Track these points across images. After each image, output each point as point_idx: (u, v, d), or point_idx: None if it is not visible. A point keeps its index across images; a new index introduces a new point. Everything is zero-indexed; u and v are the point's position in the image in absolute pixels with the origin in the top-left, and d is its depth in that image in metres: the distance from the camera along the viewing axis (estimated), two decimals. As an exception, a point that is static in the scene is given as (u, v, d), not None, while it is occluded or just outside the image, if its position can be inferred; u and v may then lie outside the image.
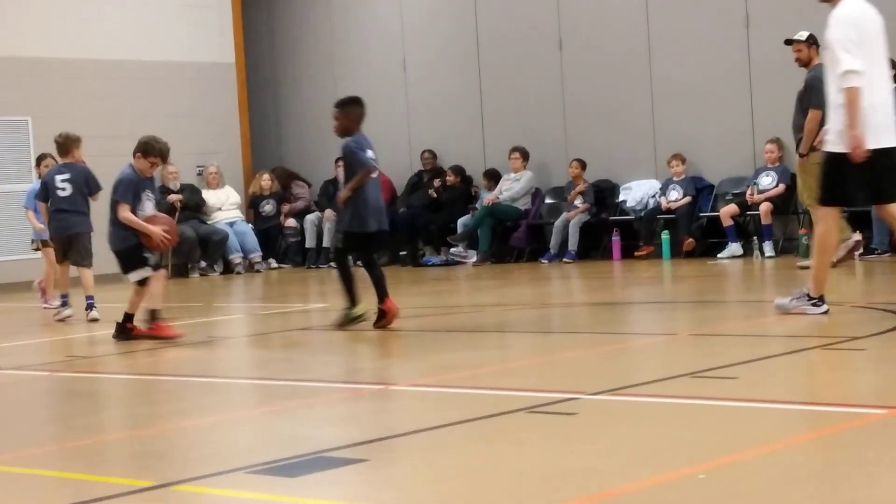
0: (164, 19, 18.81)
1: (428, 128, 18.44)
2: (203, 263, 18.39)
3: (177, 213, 18.06)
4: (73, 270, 12.25)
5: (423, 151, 18.35)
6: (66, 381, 8.50)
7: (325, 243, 18.52)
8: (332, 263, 10.37)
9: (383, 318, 9.82)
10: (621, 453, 5.05)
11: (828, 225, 8.61)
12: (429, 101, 18.44)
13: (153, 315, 10.02)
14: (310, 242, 18.75)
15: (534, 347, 8.94)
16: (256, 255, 18.60)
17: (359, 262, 10.29)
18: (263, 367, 8.66)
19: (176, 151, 18.44)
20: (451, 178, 17.88)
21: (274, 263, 18.84)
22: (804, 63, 12.44)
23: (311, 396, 6.99)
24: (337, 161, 18.85)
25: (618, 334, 9.19)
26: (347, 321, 9.93)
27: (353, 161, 9.97)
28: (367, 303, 10.00)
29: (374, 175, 10.08)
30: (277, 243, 19.09)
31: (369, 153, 10.07)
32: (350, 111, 10.16)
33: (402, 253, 17.93)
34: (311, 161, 19.63)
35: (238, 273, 18.27)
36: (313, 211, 18.99)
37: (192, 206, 18.49)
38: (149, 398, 7.51)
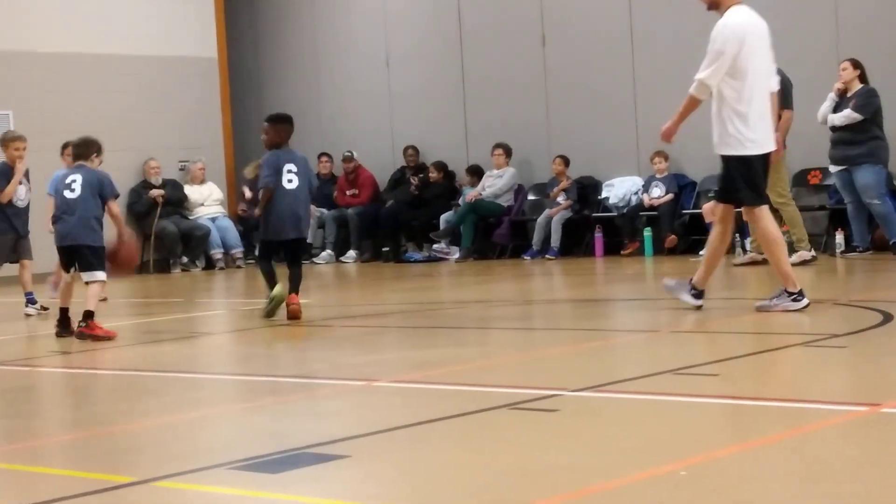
0: (145, 13, 18.75)
1: (411, 123, 18.44)
2: (185, 259, 18.36)
3: (158, 209, 18.04)
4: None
5: (406, 147, 18.35)
6: (47, 376, 8.47)
7: (308, 238, 18.46)
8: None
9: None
10: (603, 450, 5.06)
11: (762, 222, 8.88)
12: (412, 96, 18.44)
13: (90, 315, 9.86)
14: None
15: (516, 344, 8.94)
16: (238, 251, 18.57)
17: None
18: (245, 363, 8.65)
19: (158, 146, 18.59)
20: (433, 175, 17.88)
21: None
22: None
23: (292, 392, 6.98)
24: (319, 157, 18.85)
25: (600, 331, 9.20)
26: (269, 307, 10.51)
27: (261, 175, 10.61)
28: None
29: (291, 186, 10.52)
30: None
31: (288, 167, 10.52)
32: (280, 127, 10.76)
33: (384, 249, 17.92)
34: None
35: (220, 268, 18.24)
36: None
37: (174, 202, 18.45)
38: (130, 394, 7.49)
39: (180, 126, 19.05)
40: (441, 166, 17.93)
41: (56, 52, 17.83)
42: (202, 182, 18.93)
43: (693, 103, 8.83)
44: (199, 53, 19.34)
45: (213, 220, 18.62)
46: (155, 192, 18.13)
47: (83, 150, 10.59)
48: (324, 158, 18.94)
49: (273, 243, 10.77)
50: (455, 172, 17.98)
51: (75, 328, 9.95)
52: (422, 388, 6.83)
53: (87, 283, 9.92)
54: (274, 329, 10.40)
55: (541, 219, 16.59)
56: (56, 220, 10.22)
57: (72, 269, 10.11)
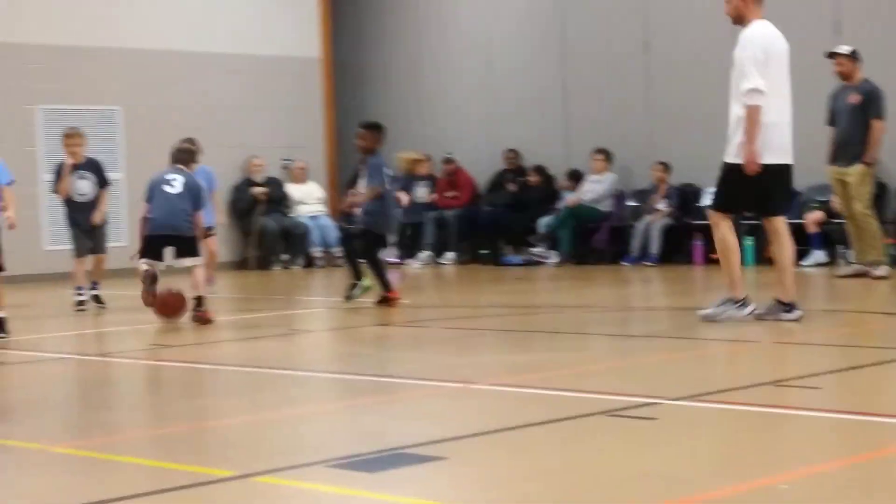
0: (252, 13, 18.96)
1: (512, 127, 18.42)
2: (285, 256, 18.53)
3: (260, 206, 18.23)
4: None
5: (507, 150, 18.33)
6: (152, 369, 8.60)
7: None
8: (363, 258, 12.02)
9: (387, 302, 11.62)
10: (701, 460, 5.02)
11: (722, 229, 9.23)
12: (513, 100, 18.42)
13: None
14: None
15: (613, 350, 8.90)
16: (338, 249, 18.67)
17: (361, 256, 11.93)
18: (344, 362, 8.71)
19: (261, 144, 18.78)
20: (532, 178, 17.84)
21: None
22: (846, 76, 13.11)
23: (391, 392, 7.02)
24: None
25: (698, 340, 9.11)
26: (353, 290, 11.86)
27: (372, 176, 11.66)
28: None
29: (390, 188, 11.89)
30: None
31: (386, 170, 11.86)
32: (378, 134, 11.98)
33: (483, 251, 17.93)
34: (394, 157, 19.66)
35: (319, 266, 18.38)
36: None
37: (276, 200, 18.63)
38: (229, 389, 7.58)
39: (283, 124, 19.24)
40: (540, 170, 17.89)
41: (164, 50, 18.10)
42: (303, 180, 19.09)
43: (755, 112, 8.98)
44: (303, 53, 19.50)
45: (314, 218, 18.77)
46: (257, 190, 18.32)
47: (186, 156, 11.39)
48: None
49: (381, 236, 11.88)
50: (555, 177, 17.93)
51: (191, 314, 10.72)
52: (518, 392, 6.83)
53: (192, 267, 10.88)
54: (373, 328, 10.47)
55: (640, 225, 16.49)
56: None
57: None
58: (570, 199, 17.22)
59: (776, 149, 9.08)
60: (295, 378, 7.87)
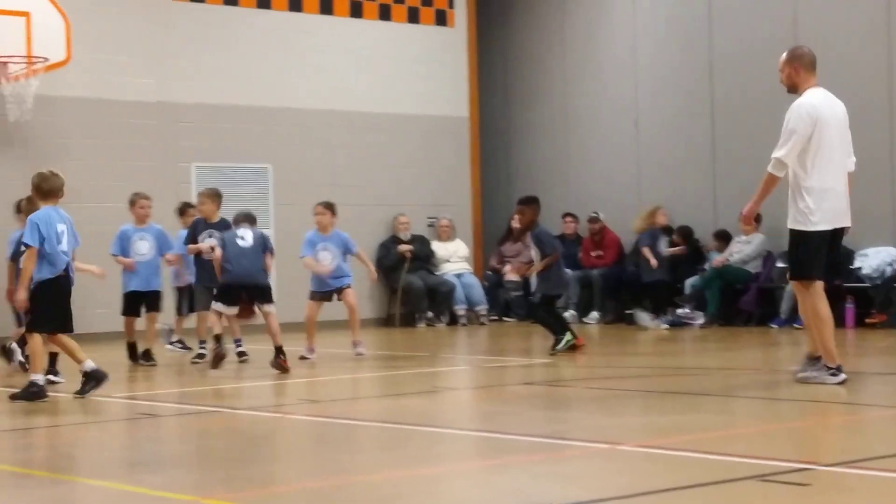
0: (399, 73, 19.21)
1: (659, 186, 18.28)
2: (430, 313, 18.61)
3: (406, 263, 18.35)
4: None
5: (654, 207, 18.15)
6: (293, 423, 8.67)
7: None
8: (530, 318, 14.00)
9: (576, 348, 12.63)
10: (858, 529, 4.87)
11: (809, 298, 9.38)
12: (660, 158, 18.30)
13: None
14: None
15: (761, 414, 8.71)
16: (482, 308, 18.72)
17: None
18: (488, 420, 8.68)
19: (407, 202, 18.95)
20: (676, 240, 17.57)
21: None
22: None
23: (535, 452, 6.96)
24: (564, 216, 18.90)
25: (852, 405, 8.88)
26: (563, 346, 12.56)
27: (545, 245, 12.91)
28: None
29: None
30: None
31: (553, 237, 13.27)
32: (534, 207, 13.10)
33: (628, 311, 17.78)
34: (540, 216, 19.64)
35: (462, 324, 18.41)
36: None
37: (422, 257, 18.75)
38: (372, 445, 7.60)
39: (430, 183, 19.39)
40: (686, 232, 17.65)
41: (314, 109, 18.41)
42: (449, 238, 19.19)
43: (772, 181, 9.29)
44: (452, 113, 19.67)
45: (459, 276, 18.84)
46: (403, 248, 18.46)
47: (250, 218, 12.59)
48: (569, 218, 18.96)
49: (553, 297, 13.15)
50: (701, 237, 17.68)
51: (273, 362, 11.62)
52: (666, 454, 6.72)
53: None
54: (518, 387, 10.44)
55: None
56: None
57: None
58: (717, 259, 16.99)
59: (830, 214, 9.32)
60: (438, 435, 7.86)
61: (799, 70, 9.48)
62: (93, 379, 9.87)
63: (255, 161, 17.89)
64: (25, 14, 14.93)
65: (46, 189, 10.14)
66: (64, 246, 9.93)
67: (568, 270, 18.46)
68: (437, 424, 8.34)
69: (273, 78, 18.10)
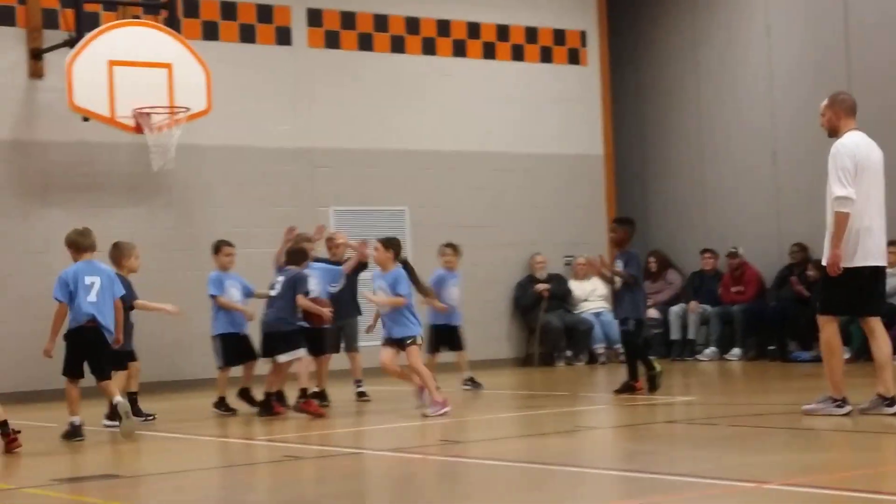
0: (533, 113, 19.25)
1: (798, 220, 17.97)
2: (568, 353, 18.55)
3: (543, 303, 18.32)
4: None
5: (793, 244, 17.89)
6: (440, 464, 8.70)
7: (691, 335, 18.32)
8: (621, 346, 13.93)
9: (630, 390, 12.64)
10: None
11: (828, 331, 9.81)
12: (799, 192, 17.98)
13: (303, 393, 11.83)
14: (674, 334, 18.56)
15: (914, 451, 8.51)
16: (621, 346, 18.57)
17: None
18: (630, 459, 8.61)
19: (543, 241, 18.95)
20: (811, 273, 17.26)
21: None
22: None
23: (679, 491, 6.89)
24: (703, 252, 18.74)
25: None
26: (656, 381, 12.66)
27: (633, 266, 12.89)
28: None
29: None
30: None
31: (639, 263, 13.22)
32: (627, 228, 13.14)
33: (770, 347, 17.50)
34: (677, 252, 19.52)
35: (602, 363, 18.30)
36: (677, 303, 18.75)
37: (559, 296, 18.70)
38: (513, 485, 7.59)
39: (566, 222, 19.36)
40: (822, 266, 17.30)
41: (449, 151, 18.54)
42: (586, 277, 19.12)
43: (843, 219, 9.61)
44: (587, 151, 19.64)
45: (597, 314, 18.74)
46: (540, 287, 18.44)
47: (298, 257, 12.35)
48: (707, 254, 18.76)
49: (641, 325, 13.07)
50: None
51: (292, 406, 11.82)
52: (813, 493, 6.59)
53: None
54: (660, 426, 10.34)
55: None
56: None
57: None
58: (862, 293, 16.62)
59: (870, 252, 9.69)
60: (580, 475, 7.82)
61: (840, 114, 10.00)
62: (71, 434, 10.62)
63: (392, 204, 18.07)
64: (167, 66, 15.33)
65: (84, 245, 10.94)
66: (92, 297, 10.59)
67: (707, 307, 18.31)
68: (580, 464, 8.30)
69: (408, 121, 18.28)
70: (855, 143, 9.79)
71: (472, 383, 14.22)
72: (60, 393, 14.30)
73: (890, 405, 9.71)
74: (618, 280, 13.00)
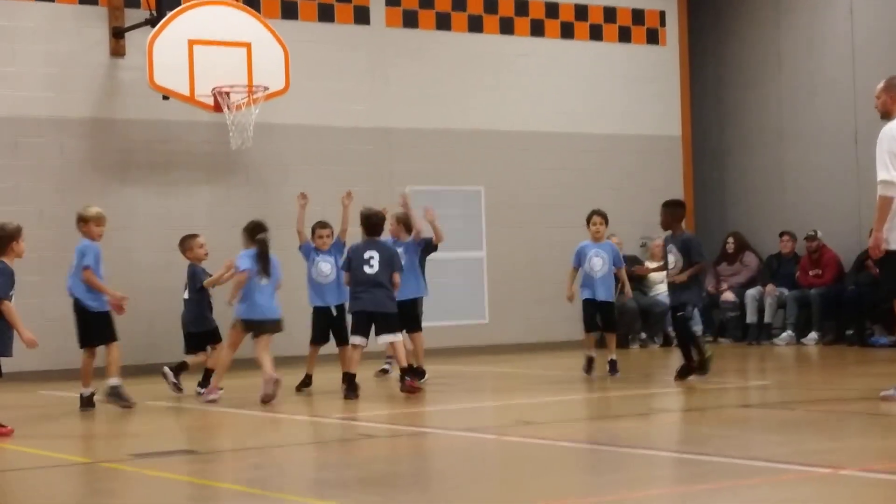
0: (611, 93, 19.15)
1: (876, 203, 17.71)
2: (643, 335, 18.47)
3: (618, 285, 18.23)
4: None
5: (871, 228, 17.63)
6: (513, 445, 8.71)
7: (767, 318, 18.16)
8: (674, 327, 13.42)
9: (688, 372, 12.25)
10: None
11: None
12: (881, 175, 17.74)
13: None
14: (750, 317, 18.40)
15: None
16: (697, 329, 18.45)
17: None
18: (704, 443, 8.57)
19: (618, 222, 18.83)
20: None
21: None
22: None
23: (753, 476, 6.84)
24: (781, 235, 18.54)
25: None
26: (707, 364, 12.25)
27: (696, 253, 12.42)
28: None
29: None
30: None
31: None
32: (675, 211, 12.76)
33: (848, 332, 17.30)
34: (754, 234, 19.34)
35: (676, 345, 18.16)
36: (754, 286, 18.59)
37: (634, 278, 18.60)
38: (586, 467, 7.59)
39: (642, 203, 19.24)
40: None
41: (526, 131, 18.50)
42: (660, 258, 18.98)
43: (886, 203, 9.75)
44: (664, 132, 19.51)
45: (703, 293, 18.58)
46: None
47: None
48: (785, 237, 18.58)
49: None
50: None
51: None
52: (891, 480, 6.52)
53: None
54: (734, 410, 10.28)
55: None
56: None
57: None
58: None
59: None
60: (653, 458, 7.80)
61: (894, 98, 10.16)
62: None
63: (468, 184, 18.08)
64: (247, 45, 15.44)
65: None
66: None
67: (784, 290, 18.14)
68: (652, 447, 8.28)
69: (484, 101, 18.26)
70: None
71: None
72: (141, 369, 14.57)
73: None
74: (672, 268, 12.48)
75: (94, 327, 11.38)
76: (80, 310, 11.40)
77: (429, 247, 13.31)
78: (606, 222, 13.80)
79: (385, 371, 13.97)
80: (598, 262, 13.48)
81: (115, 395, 11.39)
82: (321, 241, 12.84)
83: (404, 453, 8.52)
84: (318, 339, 12.60)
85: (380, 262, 11.83)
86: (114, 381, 11.38)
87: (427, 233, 13.25)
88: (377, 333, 11.85)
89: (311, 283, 12.70)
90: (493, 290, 15.71)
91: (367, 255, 11.87)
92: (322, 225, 13.00)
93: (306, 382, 12.51)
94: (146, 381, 13.96)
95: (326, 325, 12.61)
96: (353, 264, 11.94)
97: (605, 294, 13.51)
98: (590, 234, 13.75)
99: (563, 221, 18.19)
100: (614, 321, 13.82)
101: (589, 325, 13.45)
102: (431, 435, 9.39)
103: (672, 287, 12.56)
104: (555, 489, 6.77)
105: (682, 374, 12.29)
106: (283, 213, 16.82)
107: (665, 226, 12.81)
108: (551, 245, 17.71)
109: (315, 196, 16.97)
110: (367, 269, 11.81)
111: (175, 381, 12.53)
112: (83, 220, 11.78)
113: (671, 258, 12.56)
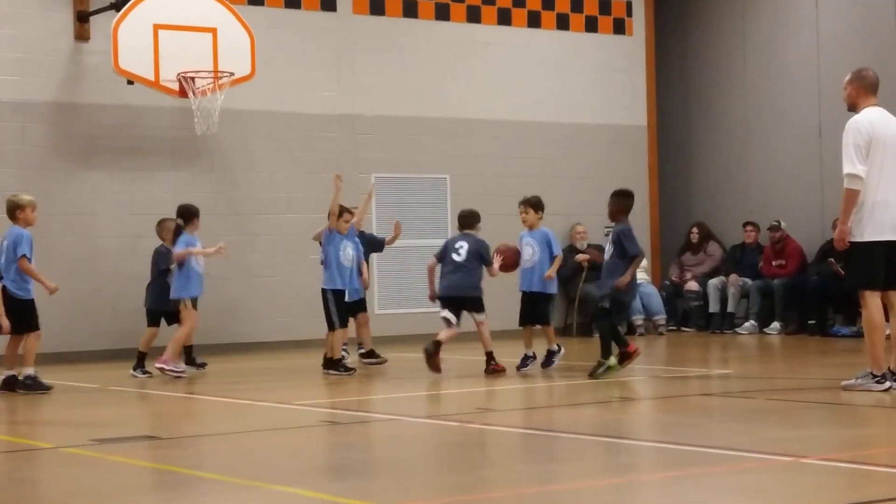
0: (577, 82, 19.18)
1: (842, 194, 17.81)
2: (607, 323, 18.51)
3: (583, 273, 18.29)
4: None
5: (836, 219, 17.75)
6: (472, 432, 8.73)
7: (731, 308, 18.25)
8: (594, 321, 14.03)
9: (628, 358, 12.04)
10: None
11: (870, 306, 9.74)
12: (842, 167, 17.84)
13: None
14: (713, 307, 18.50)
15: (954, 428, 8.46)
16: (660, 318, 18.55)
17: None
18: (668, 431, 8.61)
19: (585, 212, 18.90)
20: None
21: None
22: None
23: (717, 464, 6.88)
24: (745, 225, 18.64)
25: None
26: (602, 371, 11.89)
27: (629, 245, 12.03)
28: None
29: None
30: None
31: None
32: (621, 201, 12.37)
33: (810, 322, 17.41)
34: (718, 225, 19.43)
35: (640, 335, 18.27)
36: (717, 275, 18.69)
37: (599, 267, 18.61)
38: (548, 455, 7.61)
39: (608, 192, 19.15)
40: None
41: (491, 120, 18.51)
42: (627, 248, 19.03)
43: (851, 196, 9.77)
44: (630, 122, 19.57)
45: (637, 285, 18.66)
46: (581, 257, 18.39)
47: (470, 220, 13.03)
48: (749, 227, 18.67)
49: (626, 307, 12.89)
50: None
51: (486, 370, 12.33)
52: (853, 468, 6.57)
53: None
54: (697, 398, 10.33)
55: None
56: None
57: None
58: (904, 269, 16.50)
59: (884, 226, 9.72)
60: (616, 446, 7.83)
61: (860, 91, 10.13)
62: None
63: (434, 172, 18.07)
64: (212, 30, 15.37)
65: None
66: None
67: (747, 280, 18.23)
68: (614, 435, 8.31)
69: (451, 89, 18.26)
70: (869, 120, 9.87)
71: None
72: (105, 354, 14.51)
73: (881, 381, 9.77)
74: (607, 258, 12.25)
75: (18, 315, 11.56)
76: (7, 298, 11.58)
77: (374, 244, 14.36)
78: (536, 209, 13.22)
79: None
80: (528, 252, 13.05)
81: (32, 384, 11.57)
82: (346, 225, 13.19)
83: (368, 440, 8.52)
84: (345, 322, 13.09)
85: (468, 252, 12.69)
86: (29, 370, 11.60)
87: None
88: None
89: (335, 266, 13.02)
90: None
91: (457, 244, 12.76)
92: (347, 210, 13.27)
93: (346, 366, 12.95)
94: (111, 367, 13.93)
95: (347, 307, 13.23)
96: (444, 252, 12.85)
97: (533, 285, 12.95)
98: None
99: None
100: (543, 313, 13.03)
101: (521, 318, 13.02)
102: (395, 422, 9.39)
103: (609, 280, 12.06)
104: (514, 477, 6.79)
105: (621, 359, 11.97)
106: (248, 199, 16.80)
107: (612, 215, 12.38)
108: (516, 234, 17.68)
109: (280, 183, 16.99)
110: (454, 257, 12.67)
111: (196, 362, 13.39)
112: (19, 207, 11.93)
113: (608, 248, 12.32)
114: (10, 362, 11.79)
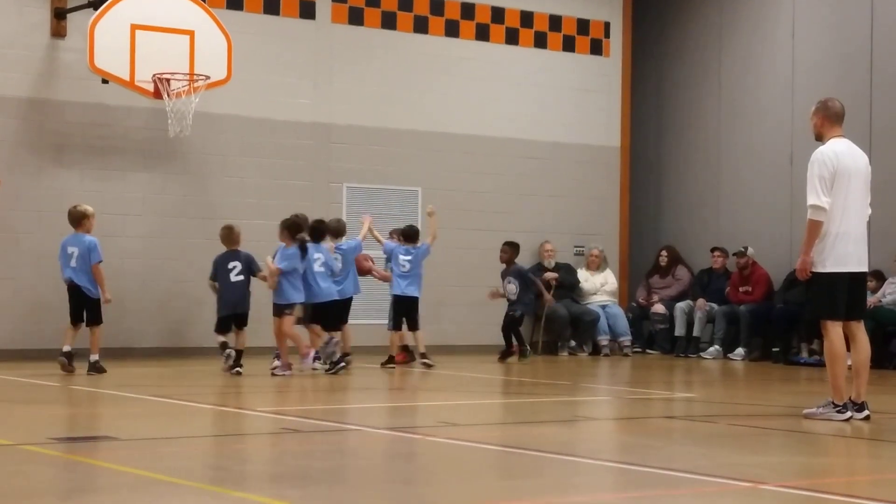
0: (552, 101, 19.23)
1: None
2: (573, 342, 18.56)
3: (551, 291, 18.32)
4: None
5: (804, 248, 17.84)
6: (430, 446, 8.70)
7: (696, 332, 18.31)
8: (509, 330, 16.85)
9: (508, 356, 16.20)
10: None
11: (831, 336, 9.85)
12: (814, 196, 17.93)
13: None
14: (679, 330, 18.56)
15: (912, 460, 8.49)
16: (626, 339, 18.60)
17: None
18: (626, 452, 8.61)
19: (555, 230, 18.95)
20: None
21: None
22: None
23: (675, 487, 6.89)
24: (713, 251, 18.69)
25: None
26: (526, 354, 16.27)
27: (529, 280, 17.09)
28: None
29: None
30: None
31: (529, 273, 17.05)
32: (514, 250, 16.86)
33: (774, 349, 17.48)
34: (687, 248, 19.50)
35: (605, 355, 18.30)
36: (684, 299, 18.74)
37: (567, 286, 18.69)
38: (508, 472, 7.60)
39: (578, 212, 19.36)
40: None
41: (466, 134, 18.54)
42: (599, 269, 19.10)
43: (814, 227, 9.83)
44: (604, 142, 19.63)
45: (604, 306, 18.74)
46: (549, 275, 18.43)
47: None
48: (717, 253, 18.74)
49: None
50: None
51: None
52: (810, 496, 6.59)
53: None
54: (659, 420, 10.35)
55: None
56: None
57: None
58: (870, 300, 16.60)
59: (846, 258, 9.79)
60: (575, 465, 7.82)
61: (825, 121, 10.15)
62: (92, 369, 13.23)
63: (406, 184, 18.07)
64: (190, 33, 15.34)
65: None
66: (73, 263, 13.36)
67: (714, 305, 18.30)
68: (575, 454, 8.31)
69: (426, 102, 18.27)
70: (834, 152, 9.91)
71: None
72: (83, 353, 14.45)
73: (842, 411, 9.81)
74: (511, 295, 16.63)
75: (92, 312, 13.45)
76: (83, 297, 13.41)
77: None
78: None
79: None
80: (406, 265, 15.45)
81: (99, 367, 13.24)
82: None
83: (327, 449, 8.49)
84: (399, 325, 15.24)
85: None
86: (95, 356, 13.24)
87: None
88: None
89: (395, 274, 15.24)
90: (424, 291, 15.70)
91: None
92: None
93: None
94: (82, 365, 13.85)
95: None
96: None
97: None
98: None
99: (499, 226, 18.25)
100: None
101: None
102: (355, 432, 9.37)
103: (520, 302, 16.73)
104: (475, 492, 6.77)
105: (503, 356, 16.45)
106: (219, 203, 16.75)
107: (505, 261, 16.69)
108: (485, 249, 17.77)
109: (252, 189, 16.94)
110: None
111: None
112: (86, 217, 13.58)
113: (511, 287, 16.63)
114: (71, 342, 13.37)
